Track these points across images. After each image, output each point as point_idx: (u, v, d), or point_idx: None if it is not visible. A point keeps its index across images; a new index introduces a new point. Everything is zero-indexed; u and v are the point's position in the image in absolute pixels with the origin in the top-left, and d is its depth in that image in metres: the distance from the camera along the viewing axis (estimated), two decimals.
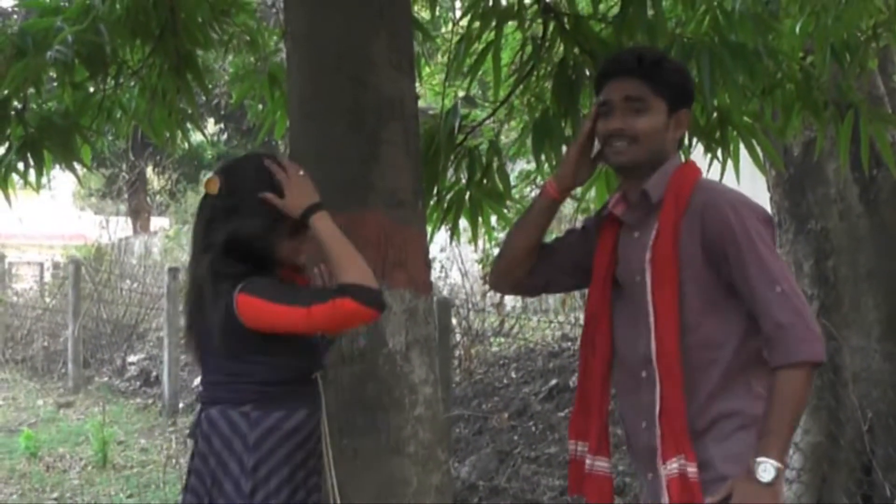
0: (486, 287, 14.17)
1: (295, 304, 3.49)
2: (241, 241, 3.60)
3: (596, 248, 3.74)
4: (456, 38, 5.47)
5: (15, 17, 11.94)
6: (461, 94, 5.84)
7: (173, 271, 14.17)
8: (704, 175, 4.77)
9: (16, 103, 5.32)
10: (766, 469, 3.22)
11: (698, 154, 4.96)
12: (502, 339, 12.83)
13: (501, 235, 13.18)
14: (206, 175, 3.79)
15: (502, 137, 6.84)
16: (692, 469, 3.36)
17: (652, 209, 3.52)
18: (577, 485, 3.71)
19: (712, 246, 3.38)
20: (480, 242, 7.80)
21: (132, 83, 5.94)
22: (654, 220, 3.49)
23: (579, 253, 3.85)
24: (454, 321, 11.27)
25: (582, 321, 3.94)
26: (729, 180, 4.85)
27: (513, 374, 11.41)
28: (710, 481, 3.35)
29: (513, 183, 5.53)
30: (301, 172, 3.70)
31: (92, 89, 5.70)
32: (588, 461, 3.66)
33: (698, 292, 3.41)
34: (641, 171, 3.56)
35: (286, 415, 3.63)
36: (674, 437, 3.40)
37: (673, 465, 3.39)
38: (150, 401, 14.19)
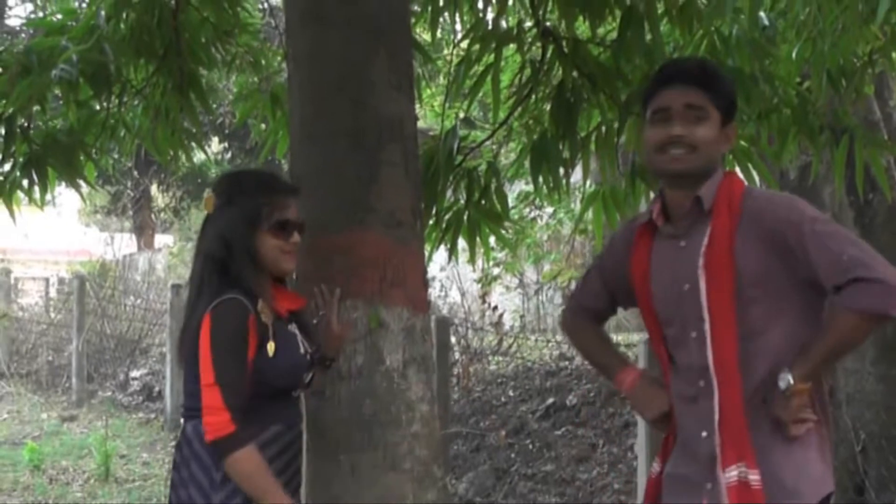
0: (485, 306, 14.18)
1: (216, 369, 3.51)
2: (226, 238, 3.64)
3: (631, 264, 3.71)
4: (456, 61, 5.47)
5: (23, 35, 11.94)
6: (461, 115, 5.82)
7: (176, 288, 14.14)
8: None
9: (21, 120, 5.31)
10: (783, 378, 3.29)
11: None
12: (500, 358, 12.80)
13: (500, 255, 13.24)
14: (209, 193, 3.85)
15: (501, 159, 6.84)
16: (754, 476, 3.32)
17: (701, 217, 3.48)
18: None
19: (775, 240, 3.33)
20: (479, 262, 7.78)
21: (136, 102, 5.94)
22: (705, 228, 3.45)
23: (609, 288, 3.91)
24: (453, 339, 11.25)
25: None
26: None
27: (510, 393, 11.39)
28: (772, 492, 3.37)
29: (511, 204, 5.52)
30: None
31: (96, 107, 5.70)
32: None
33: (763, 297, 3.36)
34: (693, 181, 3.51)
35: (257, 430, 3.60)
36: (734, 444, 3.36)
37: (732, 473, 3.35)
38: (152, 415, 14.18)
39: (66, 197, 24.12)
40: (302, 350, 3.81)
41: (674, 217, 3.58)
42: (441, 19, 5.58)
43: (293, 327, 3.81)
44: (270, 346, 3.63)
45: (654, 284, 3.60)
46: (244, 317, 3.57)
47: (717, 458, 3.39)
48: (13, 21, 20.64)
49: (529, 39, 5.22)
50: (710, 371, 3.40)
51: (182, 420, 3.77)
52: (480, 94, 5.53)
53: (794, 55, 5.11)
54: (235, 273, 3.61)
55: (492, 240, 5.51)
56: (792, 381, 3.25)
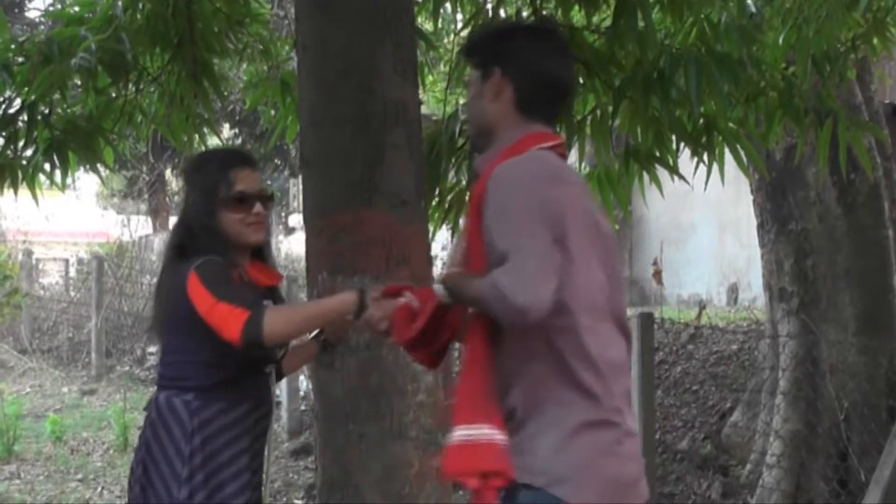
0: None
1: (214, 292, 3.45)
2: (187, 221, 3.66)
3: None
4: (457, 49, 5.46)
5: (42, 27, 11.91)
6: (462, 100, 5.81)
7: None
8: (691, 178, 4.78)
9: (42, 107, 5.31)
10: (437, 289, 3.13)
11: (685, 158, 4.96)
12: None
13: None
14: None
15: None
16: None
17: None
18: None
19: (483, 208, 3.04)
20: None
21: (152, 89, 5.93)
22: None
23: None
24: None
25: None
26: (714, 183, 4.87)
27: None
28: None
29: None
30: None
31: (114, 94, 5.69)
32: None
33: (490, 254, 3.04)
34: (485, 146, 3.30)
35: (227, 407, 3.59)
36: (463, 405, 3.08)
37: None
38: None
39: (84, 181, 24.10)
40: None
41: None
42: (442, 9, 5.58)
43: (268, 302, 3.74)
44: None
45: None
46: (228, 269, 3.56)
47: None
48: (32, 13, 20.63)
49: None
50: None
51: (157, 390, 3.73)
52: None
53: (780, 41, 5.11)
54: (204, 249, 3.58)
55: None
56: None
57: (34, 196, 5.61)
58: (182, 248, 3.63)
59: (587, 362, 3.00)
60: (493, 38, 3.38)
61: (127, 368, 15.82)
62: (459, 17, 5.88)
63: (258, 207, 3.71)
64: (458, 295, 3.08)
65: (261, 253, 3.86)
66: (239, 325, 3.37)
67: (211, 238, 3.61)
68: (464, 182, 5.26)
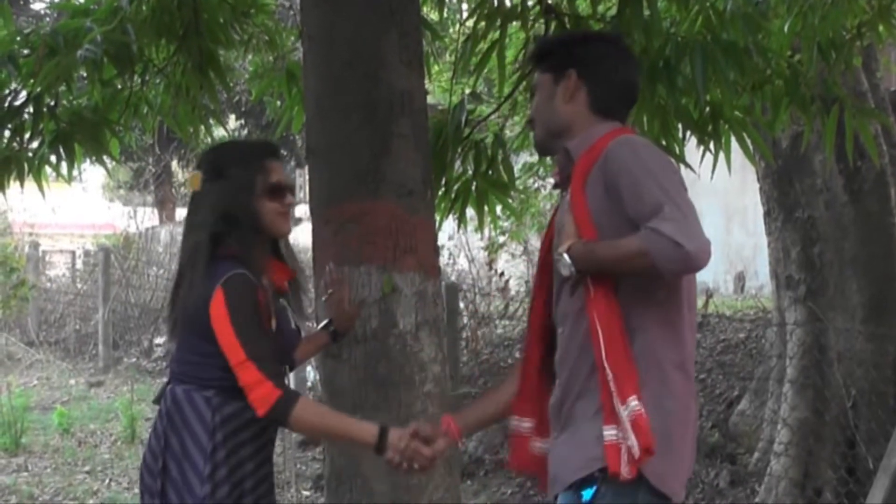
0: (492, 272, 14.19)
1: (244, 345, 3.41)
2: (227, 210, 3.55)
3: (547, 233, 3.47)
4: (463, 38, 5.47)
5: (47, 19, 11.93)
6: (468, 90, 5.82)
7: None
8: (697, 167, 4.78)
9: (48, 99, 5.32)
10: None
11: (691, 146, 4.97)
12: (507, 322, 12.82)
13: (506, 224, 13.25)
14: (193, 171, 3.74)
15: (506, 131, 6.84)
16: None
17: (572, 167, 3.22)
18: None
19: (612, 186, 3.04)
20: (486, 230, 7.76)
21: (158, 80, 5.94)
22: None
23: None
24: (461, 304, 11.26)
25: None
26: (720, 171, 4.87)
27: (517, 355, 11.39)
28: None
29: (516, 174, 5.52)
30: None
31: (120, 86, 5.71)
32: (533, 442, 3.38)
33: (604, 233, 3.06)
34: (553, 147, 3.36)
35: (245, 406, 3.50)
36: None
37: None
38: None
39: (90, 173, 24.09)
40: (293, 325, 3.77)
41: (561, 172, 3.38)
42: None
43: (283, 301, 3.74)
44: (273, 323, 3.60)
45: (555, 243, 3.29)
46: (254, 291, 3.51)
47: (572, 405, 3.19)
48: (38, 5, 20.65)
49: (532, 17, 5.22)
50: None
51: (170, 383, 3.68)
52: (486, 70, 5.53)
53: (785, 28, 5.10)
54: (237, 246, 3.53)
55: (498, 209, 5.52)
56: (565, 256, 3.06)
57: (40, 188, 5.61)
58: (217, 238, 3.55)
59: (683, 342, 3.12)
60: (568, 42, 3.48)
61: (134, 360, 15.84)
62: (465, 6, 5.87)
63: (290, 198, 3.69)
64: (593, 259, 3.04)
65: (275, 247, 3.81)
66: (267, 405, 3.39)
67: (250, 229, 3.57)
68: (470, 172, 5.26)
